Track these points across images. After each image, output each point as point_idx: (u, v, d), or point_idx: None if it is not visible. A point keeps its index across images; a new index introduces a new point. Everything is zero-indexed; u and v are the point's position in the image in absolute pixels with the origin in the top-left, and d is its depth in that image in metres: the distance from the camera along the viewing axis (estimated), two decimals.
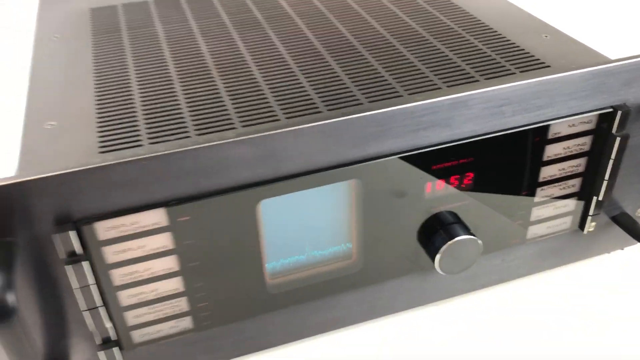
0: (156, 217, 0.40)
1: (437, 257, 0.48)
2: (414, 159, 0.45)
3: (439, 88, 0.46)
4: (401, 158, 0.44)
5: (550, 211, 0.53)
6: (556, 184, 0.51)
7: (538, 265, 0.57)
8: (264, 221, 0.45)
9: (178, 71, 0.52)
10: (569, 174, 0.51)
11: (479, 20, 0.59)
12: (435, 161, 0.46)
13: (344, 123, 0.41)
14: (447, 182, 0.47)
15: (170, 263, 0.43)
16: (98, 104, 0.48)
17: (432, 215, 0.49)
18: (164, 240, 0.42)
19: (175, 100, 0.48)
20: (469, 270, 0.54)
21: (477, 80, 0.47)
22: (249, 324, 0.49)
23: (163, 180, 0.39)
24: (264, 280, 0.47)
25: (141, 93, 0.49)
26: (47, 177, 0.37)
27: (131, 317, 0.45)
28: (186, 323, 0.47)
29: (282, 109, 0.45)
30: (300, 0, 0.66)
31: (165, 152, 0.38)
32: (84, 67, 0.54)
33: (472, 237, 0.48)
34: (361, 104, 0.45)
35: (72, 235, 0.38)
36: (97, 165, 0.37)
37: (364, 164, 0.44)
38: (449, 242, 0.48)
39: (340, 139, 0.42)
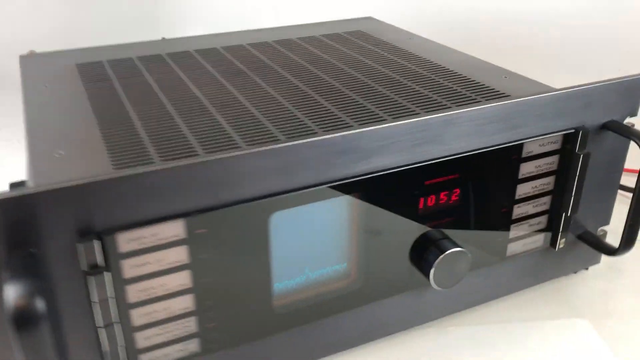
0: (176, 228, 0.42)
1: (432, 271, 0.51)
2: (405, 174, 0.48)
3: (418, 114, 0.51)
4: (399, 172, 0.48)
5: (526, 228, 0.57)
6: (530, 202, 0.56)
7: (516, 284, 0.61)
8: (272, 236, 0.47)
9: (176, 109, 0.55)
10: (541, 191, 0.56)
11: (447, 68, 0.65)
12: (428, 177, 0.50)
13: (349, 137, 0.45)
14: (438, 198, 0.51)
15: (184, 279, 0.44)
16: (104, 135, 0.49)
17: (423, 232, 0.52)
18: (181, 254, 0.43)
19: (179, 130, 0.50)
20: (456, 290, 0.57)
21: (450, 107, 0.52)
22: (254, 348, 0.50)
23: (183, 191, 0.41)
24: (271, 300, 0.48)
25: (144, 126, 0.51)
26: (71, 186, 0.38)
27: (141, 339, 0.44)
28: (193, 346, 0.47)
29: (281, 132, 0.49)
30: (278, 56, 0.71)
31: (189, 162, 0.40)
32: (81, 107, 0.56)
33: (461, 249, 0.52)
34: (351, 126, 0.49)
35: (96, 245, 0.39)
36: (122, 175, 0.39)
37: (366, 177, 0.47)
38: (441, 256, 0.51)
39: (347, 152, 0.45)
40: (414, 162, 0.48)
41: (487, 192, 0.53)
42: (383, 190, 0.48)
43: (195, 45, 0.76)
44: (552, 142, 0.54)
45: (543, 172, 0.55)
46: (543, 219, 0.58)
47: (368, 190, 0.48)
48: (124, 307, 0.43)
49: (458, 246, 0.52)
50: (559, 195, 0.57)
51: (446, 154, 0.50)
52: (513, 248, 0.58)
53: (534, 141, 0.53)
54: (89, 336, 0.42)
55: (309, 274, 0.51)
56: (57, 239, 0.38)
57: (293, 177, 0.44)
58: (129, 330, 0.44)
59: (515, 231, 0.57)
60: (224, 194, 0.43)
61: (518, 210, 0.56)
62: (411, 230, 0.51)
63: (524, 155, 0.53)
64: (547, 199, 0.57)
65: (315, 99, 0.57)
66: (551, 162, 0.55)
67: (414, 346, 0.56)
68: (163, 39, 0.81)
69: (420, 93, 0.57)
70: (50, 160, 0.46)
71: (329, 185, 0.46)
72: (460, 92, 0.57)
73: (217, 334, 0.47)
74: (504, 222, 0.56)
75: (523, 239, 0.58)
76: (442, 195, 0.51)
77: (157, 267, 0.42)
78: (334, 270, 0.51)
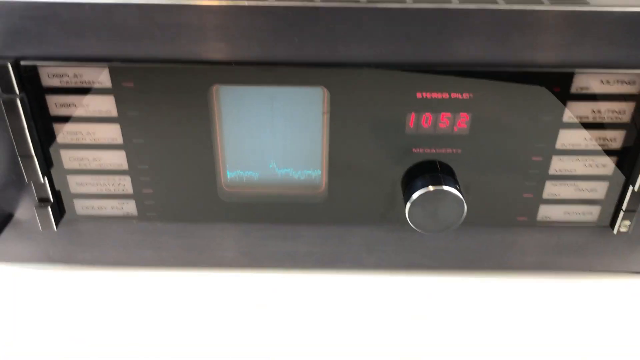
0: (99, 75, 0.39)
1: (409, 203, 0.42)
2: (392, 77, 0.39)
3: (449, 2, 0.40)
4: (376, 70, 0.38)
5: (570, 192, 0.43)
6: (580, 157, 0.42)
7: (549, 260, 0.47)
8: (222, 114, 0.41)
9: None
10: (599, 147, 0.41)
11: None
12: (420, 87, 0.39)
13: (306, 11, 0.36)
14: (436, 119, 0.40)
15: (113, 133, 0.41)
16: None
17: (415, 159, 0.42)
18: (107, 104, 0.40)
19: None
20: (461, 242, 0.46)
21: (496, 2, 0.40)
22: (199, 232, 0.46)
23: (109, 35, 0.37)
24: (216, 184, 0.44)
25: None
26: None
27: (73, 184, 0.43)
28: (130, 208, 0.45)
29: None
30: None
31: (113, 1, 0.36)
32: None
33: (452, 190, 0.41)
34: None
35: (11, 68, 0.38)
36: (44, 0, 0.36)
37: (332, 69, 0.39)
38: (425, 190, 0.41)
39: (304, 31, 0.37)
40: (398, 62, 0.38)
41: (512, 128, 0.41)
42: (358, 89, 0.39)
43: None
44: (626, 83, 0.39)
45: (605, 121, 0.40)
46: (599, 186, 0.43)
47: (341, 87, 0.39)
48: (55, 147, 0.42)
49: (452, 187, 0.41)
50: (628, 159, 0.41)
51: (448, 62, 0.38)
52: (547, 212, 0.44)
53: (592, 74, 0.38)
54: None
55: (275, 171, 0.45)
56: None
57: (236, 49, 0.38)
58: (62, 171, 0.43)
59: (551, 190, 0.43)
60: (158, 48, 0.38)
61: (559, 164, 0.42)
62: (399, 150, 0.42)
63: (573, 90, 0.39)
64: (607, 161, 0.42)
65: None
66: (620, 111, 0.40)
67: (375, 289, 0.47)
68: None
69: None
70: None
71: (285, 65, 0.39)
72: None
73: (155, 202, 0.44)
74: (536, 174, 0.43)
75: (565, 205, 0.44)
76: (443, 117, 0.40)
77: (83, 112, 0.40)
78: (304, 174, 0.45)
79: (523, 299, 0.47)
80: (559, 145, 0.41)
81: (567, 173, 0.43)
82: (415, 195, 0.41)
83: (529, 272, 0.48)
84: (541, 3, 0.40)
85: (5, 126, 0.40)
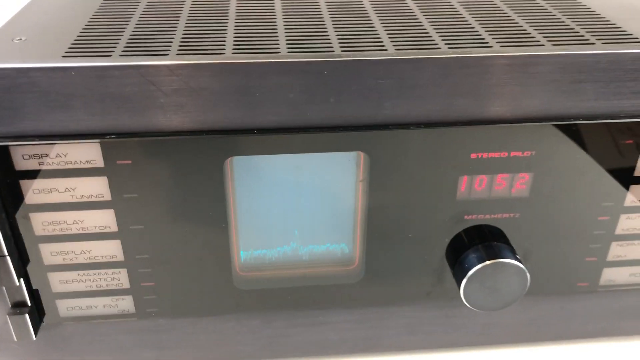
0: (89, 152, 0.31)
1: (464, 281, 0.35)
2: (443, 137, 0.33)
3: (491, 46, 0.34)
4: (425, 130, 0.32)
5: (638, 252, 0.38)
6: None
7: (611, 326, 0.42)
8: (236, 189, 0.35)
9: (193, 9, 0.43)
10: None
11: (591, 9, 0.45)
12: (474, 147, 0.33)
13: (348, 65, 0.30)
14: (491, 181, 0.35)
15: (106, 220, 0.34)
16: (87, 24, 0.40)
17: (466, 226, 0.36)
18: (99, 187, 0.33)
19: (174, 26, 0.38)
20: (515, 315, 0.40)
21: (542, 45, 0.34)
22: (211, 326, 0.39)
23: (101, 105, 0.30)
24: (231, 270, 0.36)
25: (141, 20, 0.40)
26: None
27: (56, 282, 0.36)
28: (126, 304, 0.37)
29: (287, 44, 0.34)
30: None
31: (102, 63, 0.29)
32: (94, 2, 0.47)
33: (514, 262, 0.35)
34: (385, 49, 0.34)
35: None
36: (16, 66, 0.29)
37: (373, 132, 0.32)
38: (482, 265, 0.35)
39: (341, 88, 0.31)
40: (451, 120, 0.32)
41: (577, 187, 0.35)
42: (402, 153, 0.33)
43: None
44: None
45: None
46: None
47: (381, 151, 0.33)
48: (32, 240, 0.34)
49: (512, 258, 0.35)
50: None
51: (507, 118, 0.33)
52: (611, 276, 0.39)
53: None
54: None
55: (299, 249, 0.38)
56: None
57: (258, 114, 0.31)
58: (41, 269, 0.35)
59: (617, 252, 0.38)
60: (161, 117, 0.31)
61: (627, 223, 0.37)
62: (449, 218, 0.36)
63: None
64: None
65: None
66: None
67: None
68: None
69: (519, 28, 0.39)
70: (3, 46, 0.38)
71: (317, 130, 0.32)
72: (571, 28, 0.38)
73: (156, 295, 0.37)
74: (601, 235, 0.37)
75: (631, 267, 0.39)
76: (500, 178, 0.35)
77: (68, 198, 0.33)
78: (333, 250, 0.38)
79: None
80: (628, 202, 0.36)
81: (636, 232, 0.37)
82: (471, 272, 0.35)
83: (589, 340, 0.43)
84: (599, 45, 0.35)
85: None
